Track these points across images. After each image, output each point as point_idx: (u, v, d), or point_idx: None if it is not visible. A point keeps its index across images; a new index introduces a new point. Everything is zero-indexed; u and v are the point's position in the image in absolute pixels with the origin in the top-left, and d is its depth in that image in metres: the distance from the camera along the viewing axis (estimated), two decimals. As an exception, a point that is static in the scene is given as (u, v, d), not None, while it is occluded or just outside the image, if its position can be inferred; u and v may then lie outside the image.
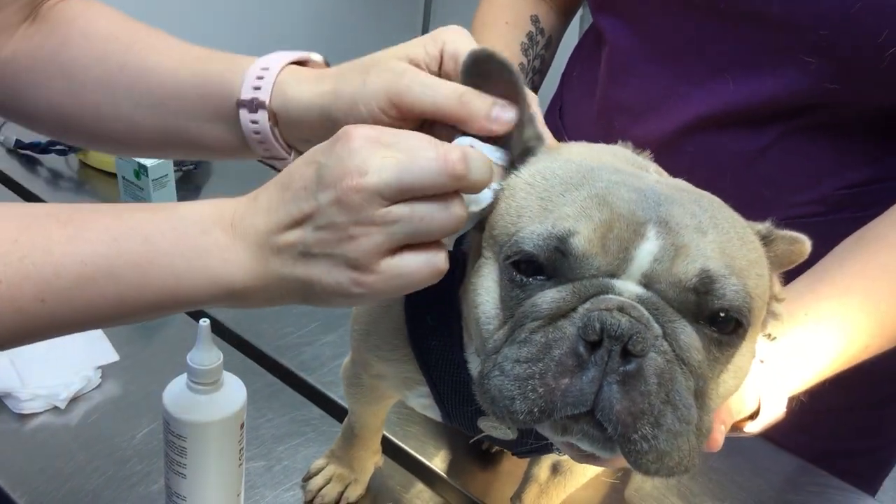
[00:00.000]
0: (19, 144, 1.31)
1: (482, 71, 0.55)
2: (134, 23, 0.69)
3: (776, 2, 0.74)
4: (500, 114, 0.55)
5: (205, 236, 0.51)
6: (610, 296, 0.47)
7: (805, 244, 0.55)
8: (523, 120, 0.55)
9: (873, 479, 1.03)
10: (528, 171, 0.53)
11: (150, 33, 0.68)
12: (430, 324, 0.62)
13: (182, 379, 0.71)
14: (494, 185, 0.54)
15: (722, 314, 0.48)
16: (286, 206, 0.51)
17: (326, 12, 3.08)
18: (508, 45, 0.98)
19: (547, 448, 0.66)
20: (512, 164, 0.55)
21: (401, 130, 0.51)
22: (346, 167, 0.49)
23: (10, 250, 0.49)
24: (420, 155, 0.49)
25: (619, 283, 0.48)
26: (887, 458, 1.02)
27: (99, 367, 0.95)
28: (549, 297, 0.48)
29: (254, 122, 0.62)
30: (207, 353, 0.69)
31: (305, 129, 0.61)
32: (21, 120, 0.71)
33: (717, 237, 0.49)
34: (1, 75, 0.68)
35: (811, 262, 0.71)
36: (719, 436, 0.56)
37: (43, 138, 1.31)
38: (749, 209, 0.73)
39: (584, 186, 0.50)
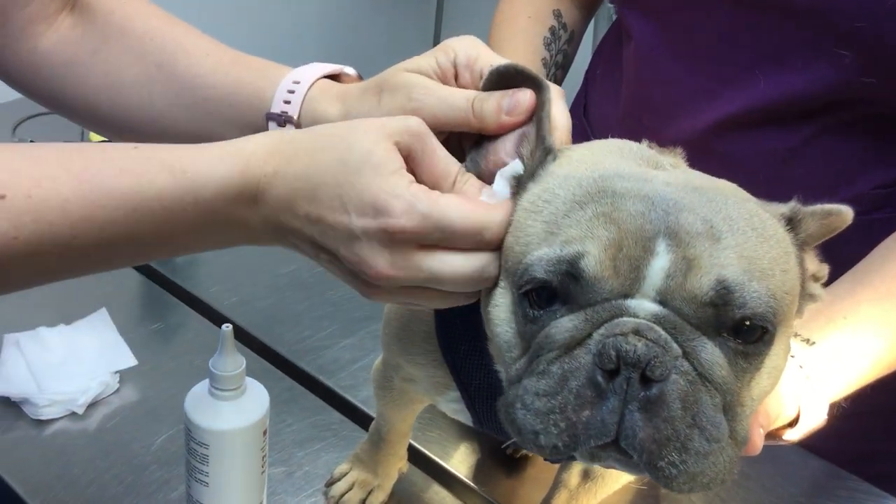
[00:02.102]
0: (33, 146, 1.29)
1: (506, 85, 0.55)
2: (169, 19, 0.69)
3: None
4: (512, 104, 0.54)
5: (227, 213, 0.52)
6: (624, 319, 0.45)
7: (844, 213, 0.53)
8: (538, 135, 0.54)
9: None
10: (530, 198, 0.51)
11: (185, 31, 0.68)
12: (460, 328, 0.60)
13: (203, 385, 0.70)
14: None
15: (746, 323, 0.46)
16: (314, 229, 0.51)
17: (339, 18, 3.07)
18: (530, 39, 0.97)
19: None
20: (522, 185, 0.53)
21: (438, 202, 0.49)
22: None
23: (24, 207, 0.48)
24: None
25: (633, 304, 0.46)
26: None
27: (117, 372, 0.93)
28: (562, 326, 0.47)
29: None
30: (230, 359, 0.67)
31: None
32: (55, 108, 0.71)
33: (732, 241, 0.46)
34: (42, 67, 0.68)
35: (851, 263, 0.69)
36: (758, 440, 0.54)
37: (59, 139, 1.29)
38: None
39: (588, 205, 0.48)
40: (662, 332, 0.45)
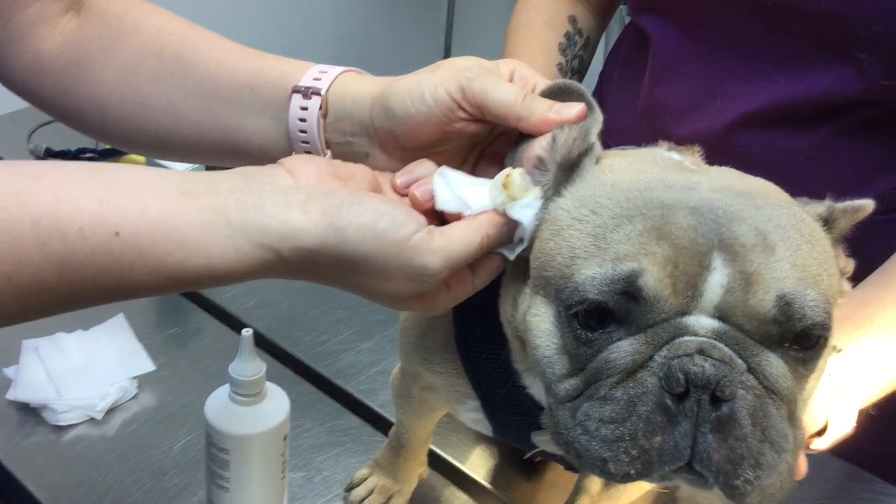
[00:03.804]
0: (49, 153, 1.30)
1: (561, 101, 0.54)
2: (184, 20, 0.69)
3: (827, 0, 0.72)
4: (561, 107, 0.54)
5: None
6: (687, 338, 0.45)
7: (868, 207, 0.53)
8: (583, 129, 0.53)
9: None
10: (573, 203, 0.50)
11: (203, 30, 0.68)
12: (479, 336, 0.60)
13: (224, 390, 0.70)
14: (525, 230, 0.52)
15: (805, 333, 0.46)
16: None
17: (349, 28, 3.08)
18: (546, 45, 0.96)
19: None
20: (555, 184, 0.52)
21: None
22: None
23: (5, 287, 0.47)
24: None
25: (692, 321, 0.45)
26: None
27: (135, 378, 0.93)
28: (623, 350, 0.46)
29: (303, 108, 0.60)
30: (251, 364, 0.67)
31: (352, 122, 0.60)
32: (61, 115, 0.70)
33: (785, 251, 0.46)
34: (47, 69, 0.67)
35: (872, 263, 0.68)
36: (802, 465, 0.53)
37: (72, 146, 1.30)
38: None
39: (637, 218, 0.47)
40: (727, 350, 0.44)
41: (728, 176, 0.52)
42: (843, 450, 0.91)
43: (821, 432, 0.59)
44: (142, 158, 1.25)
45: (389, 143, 0.58)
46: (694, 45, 0.83)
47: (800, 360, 0.46)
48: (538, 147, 0.54)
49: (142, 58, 0.66)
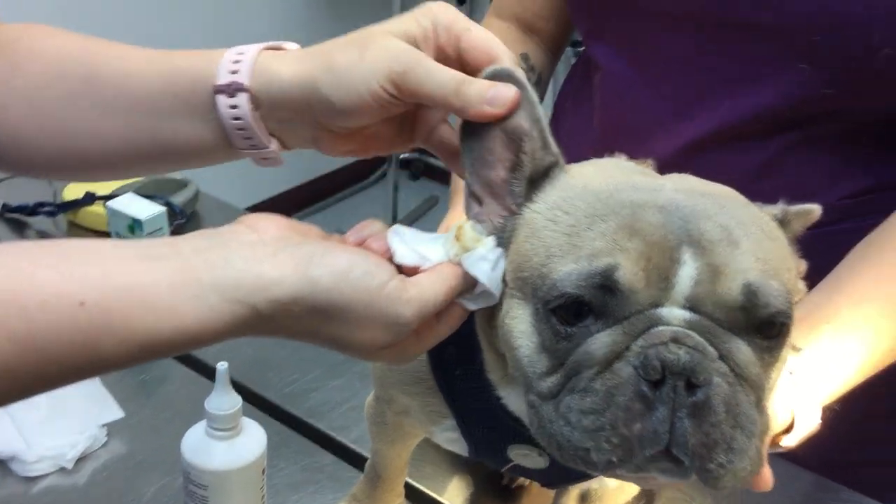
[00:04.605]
0: (7, 208, 1.29)
1: None
2: (80, 36, 0.65)
3: (766, 11, 0.75)
4: (494, 94, 0.53)
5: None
6: (661, 328, 0.47)
7: (816, 211, 0.57)
8: (540, 138, 0.54)
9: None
10: (545, 206, 0.52)
11: (102, 42, 0.64)
12: (452, 352, 0.61)
13: (200, 427, 0.70)
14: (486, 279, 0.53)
15: (770, 321, 0.48)
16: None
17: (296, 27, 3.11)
18: None
19: (578, 476, 0.66)
20: (528, 185, 0.54)
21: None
22: None
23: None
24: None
25: (665, 312, 0.47)
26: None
27: (104, 425, 0.92)
28: (600, 341, 0.48)
29: (233, 107, 0.58)
30: (226, 398, 0.68)
31: (288, 110, 0.58)
32: None
33: (748, 245, 0.48)
34: None
35: (818, 273, 0.71)
36: (767, 474, 0.55)
37: (30, 200, 1.29)
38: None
39: (609, 217, 0.49)
40: (699, 338, 0.46)
41: (689, 180, 0.55)
42: (810, 460, 0.94)
43: (788, 430, 0.60)
44: (100, 210, 1.24)
45: (333, 126, 0.58)
46: (642, 73, 0.86)
47: (765, 348, 0.49)
48: (502, 170, 0.55)
49: (46, 83, 0.63)
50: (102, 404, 0.95)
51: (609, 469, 0.47)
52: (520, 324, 0.51)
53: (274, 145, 0.61)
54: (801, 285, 0.56)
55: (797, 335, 0.64)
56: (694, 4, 0.79)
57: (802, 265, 0.56)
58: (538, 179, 0.54)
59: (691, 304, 0.47)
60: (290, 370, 1.05)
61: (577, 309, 0.48)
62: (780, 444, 0.60)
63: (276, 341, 1.08)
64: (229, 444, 0.68)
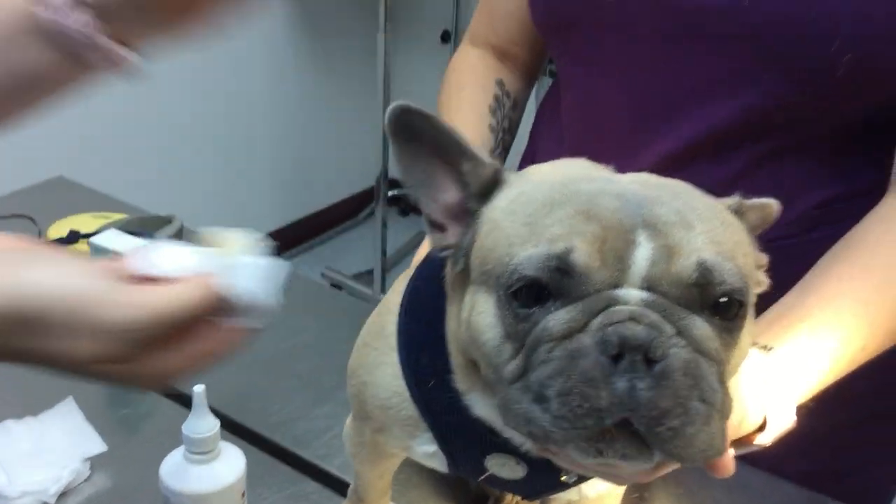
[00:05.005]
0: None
1: (407, 126, 0.55)
2: None
3: (730, 22, 0.77)
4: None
5: None
6: (619, 307, 0.48)
7: (773, 205, 0.58)
8: (469, 154, 0.56)
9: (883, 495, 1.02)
10: (505, 200, 0.54)
11: None
12: (425, 364, 0.62)
13: (179, 451, 0.70)
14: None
15: (724, 299, 0.49)
16: None
17: (286, 92, 3.13)
18: (476, 108, 1.01)
19: (555, 486, 0.66)
20: (479, 199, 0.56)
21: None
22: None
23: None
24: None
25: (623, 293, 0.49)
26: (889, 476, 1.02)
27: (87, 459, 0.92)
28: (558, 318, 0.49)
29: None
30: (204, 421, 0.68)
31: None
32: None
33: (703, 228, 0.50)
34: None
35: (791, 282, 0.72)
36: (728, 458, 0.55)
37: None
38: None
39: (566, 203, 0.51)
40: (656, 316, 0.48)
41: (646, 175, 0.58)
42: (794, 471, 0.94)
43: (761, 428, 0.61)
44: (84, 249, 1.25)
45: None
46: (610, 88, 0.88)
47: (723, 328, 0.50)
48: (455, 191, 0.57)
49: None
50: (86, 438, 0.94)
51: (575, 437, 0.47)
52: (485, 317, 0.52)
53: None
54: (763, 277, 0.57)
55: (771, 334, 0.65)
56: (657, 17, 0.81)
57: (763, 258, 0.58)
58: (490, 188, 0.56)
59: (648, 285, 0.49)
60: (274, 400, 1.05)
61: (536, 292, 0.49)
62: (755, 442, 0.61)
63: (260, 371, 1.09)
64: (207, 468, 0.69)
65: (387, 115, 0.55)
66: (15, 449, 0.91)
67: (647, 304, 0.48)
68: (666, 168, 0.85)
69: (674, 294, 0.49)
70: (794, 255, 0.72)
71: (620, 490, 0.75)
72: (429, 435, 0.64)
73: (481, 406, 0.59)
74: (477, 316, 0.53)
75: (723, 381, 0.49)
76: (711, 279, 0.48)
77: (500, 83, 1.05)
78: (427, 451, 0.66)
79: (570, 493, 0.68)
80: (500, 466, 0.63)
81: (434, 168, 0.57)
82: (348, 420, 0.77)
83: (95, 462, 0.93)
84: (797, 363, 0.63)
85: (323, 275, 3.07)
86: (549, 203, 0.51)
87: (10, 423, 0.94)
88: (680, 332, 0.48)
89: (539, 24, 0.94)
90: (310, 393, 1.06)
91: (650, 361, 0.47)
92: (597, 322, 0.48)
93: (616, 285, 0.49)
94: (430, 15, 3.31)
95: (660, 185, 0.54)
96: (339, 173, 3.42)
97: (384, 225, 2.94)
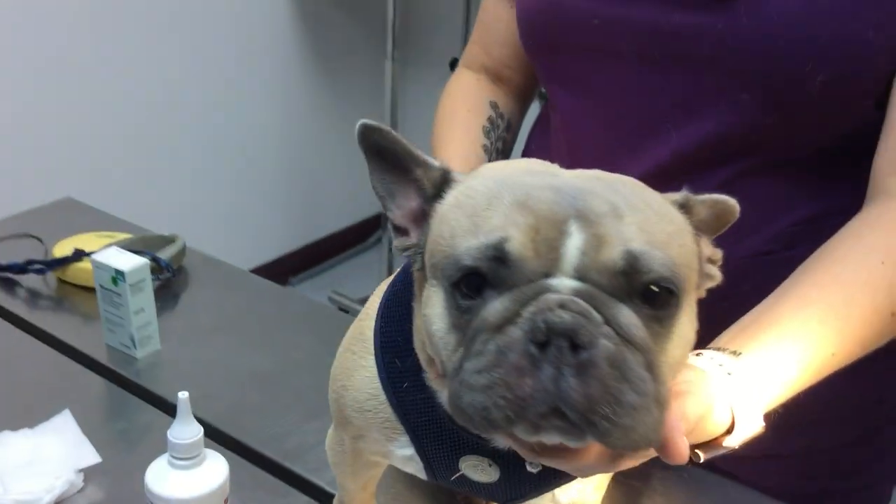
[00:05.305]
0: (-2, 267, 1.33)
1: (373, 144, 0.59)
2: None
3: (705, 45, 0.79)
4: None
5: None
6: (549, 295, 0.50)
7: (728, 202, 0.60)
8: (419, 161, 0.59)
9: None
10: (453, 196, 0.57)
11: None
12: (398, 367, 0.64)
13: (164, 458, 0.71)
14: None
15: (653, 287, 0.51)
16: None
17: (293, 124, 3.17)
18: (471, 129, 1.04)
19: (529, 492, 0.67)
20: (433, 200, 0.59)
21: None
22: None
23: None
24: None
25: (555, 282, 0.51)
26: (881, 495, 1.02)
27: (81, 470, 0.94)
28: (493, 308, 0.51)
29: None
30: (188, 427, 0.69)
31: None
32: None
33: (633, 218, 0.52)
34: None
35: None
36: (682, 446, 0.55)
37: (20, 259, 1.33)
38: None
39: (505, 195, 0.53)
40: (584, 304, 0.50)
41: (594, 171, 0.60)
42: (780, 491, 0.94)
43: (729, 431, 0.62)
44: (88, 267, 1.28)
45: None
46: (593, 109, 0.90)
47: (653, 317, 0.51)
48: (415, 197, 0.60)
49: None
50: (80, 450, 0.96)
51: (505, 425, 0.49)
52: (435, 308, 0.55)
53: None
54: (715, 271, 0.60)
55: (739, 342, 0.66)
56: (636, 40, 0.83)
57: (717, 253, 0.60)
58: (441, 189, 0.59)
59: (579, 274, 0.51)
60: (266, 415, 1.06)
61: (477, 283, 0.52)
62: (723, 444, 0.62)
63: (255, 386, 1.11)
64: (191, 473, 0.70)
65: (358, 131, 0.58)
66: (10, 459, 0.93)
67: (578, 293, 0.50)
68: (651, 183, 0.87)
69: (603, 283, 0.51)
70: (772, 271, 0.73)
71: (595, 499, 0.76)
72: (406, 438, 0.66)
73: (445, 399, 0.60)
74: (429, 309, 0.55)
75: (652, 371, 0.51)
76: (639, 267, 0.50)
77: (493, 105, 1.07)
78: (406, 454, 0.67)
79: (544, 501, 0.69)
80: (474, 468, 0.64)
81: (396, 177, 0.60)
82: (330, 430, 0.79)
83: (89, 473, 0.94)
84: (765, 368, 0.64)
85: (330, 298, 3.10)
86: (490, 195, 0.54)
87: (7, 434, 0.96)
88: (608, 321, 0.50)
89: (526, 46, 0.97)
90: (303, 408, 1.07)
91: (577, 348, 0.48)
92: (528, 311, 0.50)
93: (549, 274, 0.51)
94: (438, 43, 3.35)
95: (600, 178, 0.56)
96: (347, 199, 3.46)
97: (390, 250, 2.97)
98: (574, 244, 0.51)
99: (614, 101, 0.87)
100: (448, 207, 0.57)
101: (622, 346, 0.49)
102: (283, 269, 3.17)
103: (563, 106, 0.94)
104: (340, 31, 3.17)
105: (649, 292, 0.51)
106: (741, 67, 0.78)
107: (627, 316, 0.50)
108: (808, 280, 0.71)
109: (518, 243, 0.51)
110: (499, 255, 0.51)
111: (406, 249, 0.61)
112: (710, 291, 0.83)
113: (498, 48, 1.08)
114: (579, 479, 0.67)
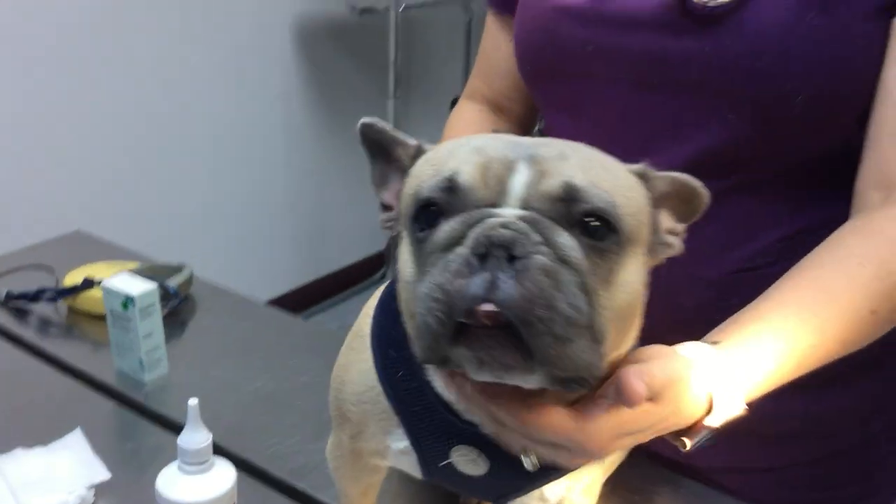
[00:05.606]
0: (10, 296, 1.36)
1: (372, 141, 0.66)
2: None
3: (691, 69, 0.83)
4: None
5: None
6: (493, 219, 0.55)
7: (689, 181, 0.65)
8: (398, 141, 0.65)
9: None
10: (423, 158, 0.63)
11: None
12: (393, 356, 0.67)
13: (174, 464, 0.74)
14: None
15: (591, 219, 0.55)
16: None
17: (303, 147, 3.22)
18: None
19: (519, 488, 0.69)
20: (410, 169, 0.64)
21: None
22: None
23: None
24: None
25: (500, 210, 0.55)
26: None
27: (92, 486, 0.96)
28: (443, 230, 0.56)
29: None
30: (198, 434, 0.72)
31: None
32: None
33: (578, 161, 0.57)
34: None
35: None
36: (636, 385, 0.57)
37: (32, 288, 1.36)
38: (697, 266, 0.79)
39: (465, 145, 0.59)
40: (524, 225, 0.54)
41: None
42: (778, 500, 0.96)
43: (708, 412, 0.64)
44: (97, 295, 1.31)
45: None
46: (587, 133, 0.93)
47: (592, 247, 0.55)
48: (397, 182, 0.66)
49: None
50: (91, 467, 0.98)
51: (442, 329, 0.53)
52: (404, 255, 0.60)
53: None
54: (674, 240, 0.65)
55: (721, 335, 0.68)
56: (626, 66, 0.87)
57: (679, 227, 0.65)
58: (417, 160, 0.64)
59: (523, 205, 0.55)
60: (272, 434, 1.08)
61: (433, 217, 0.57)
62: (704, 424, 0.64)
63: (262, 406, 1.13)
64: (200, 479, 0.73)
65: (359, 130, 0.65)
66: (24, 475, 0.95)
67: (520, 218, 0.55)
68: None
69: (543, 209, 0.55)
70: (760, 285, 0.75)
71: (588, 498, 0.78)
72: (401, 431, 0.68)
73: (438, 379, 0.64)
74: (401, 261, 0.60)
75: (588, 295, 0.54)
76: (577, 196, 0.55)
77: (495, 133, 1.11)
78: (402, 449, 0.70)
79: (533, 498, 0.71)
80: (463, 458, 0.66)
81: (387, 163, 0.67)
82: (330, 438, 0.81)
83: (100, 490, 0.97)
84: (743, 355, 0.66)
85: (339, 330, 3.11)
86: (452, 150, 0.60)
87: (20, 452, 0.98)
88: (546, 241, 0.54)
89: (524, 74, 1.00)
90: (309, 428, 1.09)
91: (514, 259, 0.52)
92: (474, 232, 0.54)
93: (496, 204, 0.56)
94: (439, 82, 3.42)
95: (558, 141, 0.61)
96: (352, 235, 3.50)
97: (395, 285, 2.99)
98: (520, 179, 0.56)
99: (607, 124, 0.91)
100: (418, 165, 0.62)
101: (557, 264, 0.53)
102: (290, 304, 3.20)
103: (558, 130, 0.97)
104: (343, 71, 3.24)
105: (590, 226, 0.55)
106: (728, 88, 0.82)
107: (565, 237, 0.55)
108: (789, 284, 0.73)
109: (468, 175, 0.56)
110: (451, 186, 0.56)
111: (388, 221, 0.66)
112: (699, 307, 0.86)
113: (499, 80, 1.12)
114: (567, 477, 0.69)
